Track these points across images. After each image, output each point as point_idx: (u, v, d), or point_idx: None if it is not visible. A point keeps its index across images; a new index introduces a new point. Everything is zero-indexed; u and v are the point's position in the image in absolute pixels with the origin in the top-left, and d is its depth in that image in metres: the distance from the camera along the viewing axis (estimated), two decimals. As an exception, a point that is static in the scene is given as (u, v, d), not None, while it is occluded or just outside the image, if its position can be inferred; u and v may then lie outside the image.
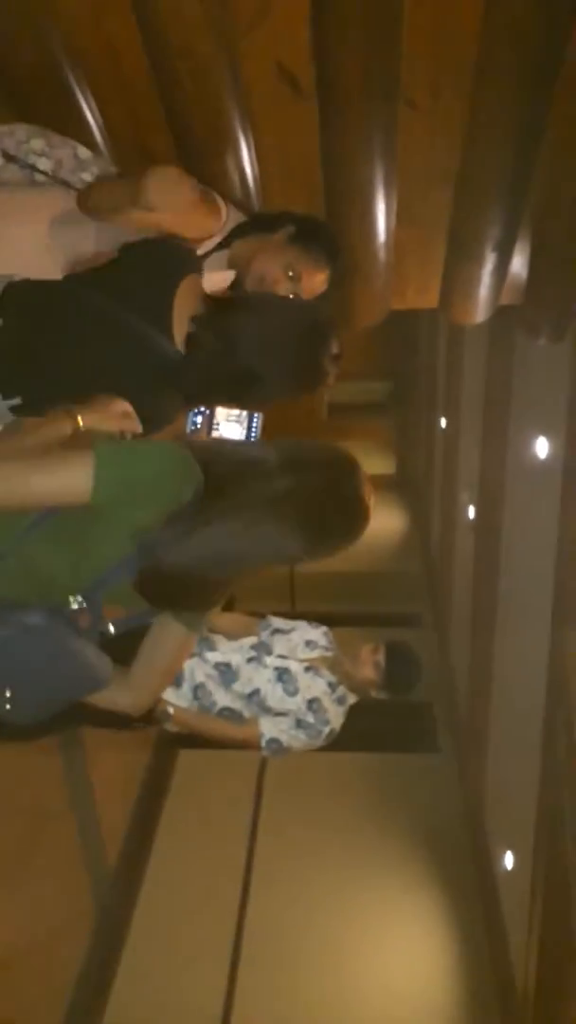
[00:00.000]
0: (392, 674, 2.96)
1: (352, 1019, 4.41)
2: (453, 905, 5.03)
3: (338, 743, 3.04)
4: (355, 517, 1.59)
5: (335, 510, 1.55)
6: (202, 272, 2.02)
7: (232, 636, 3.15)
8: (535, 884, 3.85)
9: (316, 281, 2.24)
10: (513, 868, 4.52)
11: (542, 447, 3.91)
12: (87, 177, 2.13)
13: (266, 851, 5.37)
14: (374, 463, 11.41)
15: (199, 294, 1.92)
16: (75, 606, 1.44)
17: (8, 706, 1.42)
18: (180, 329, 1.84)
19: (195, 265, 1.97)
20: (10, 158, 2.03)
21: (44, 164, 2.07)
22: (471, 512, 5.81)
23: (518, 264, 2.89)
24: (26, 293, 1.77)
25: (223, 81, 2.11)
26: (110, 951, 4.57)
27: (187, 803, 5.71)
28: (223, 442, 1.66)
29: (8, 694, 1.41)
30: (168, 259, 1.91)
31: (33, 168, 2.03)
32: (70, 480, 1.34)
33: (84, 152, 2.16)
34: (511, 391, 4.60)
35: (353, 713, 3.05)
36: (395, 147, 2.34)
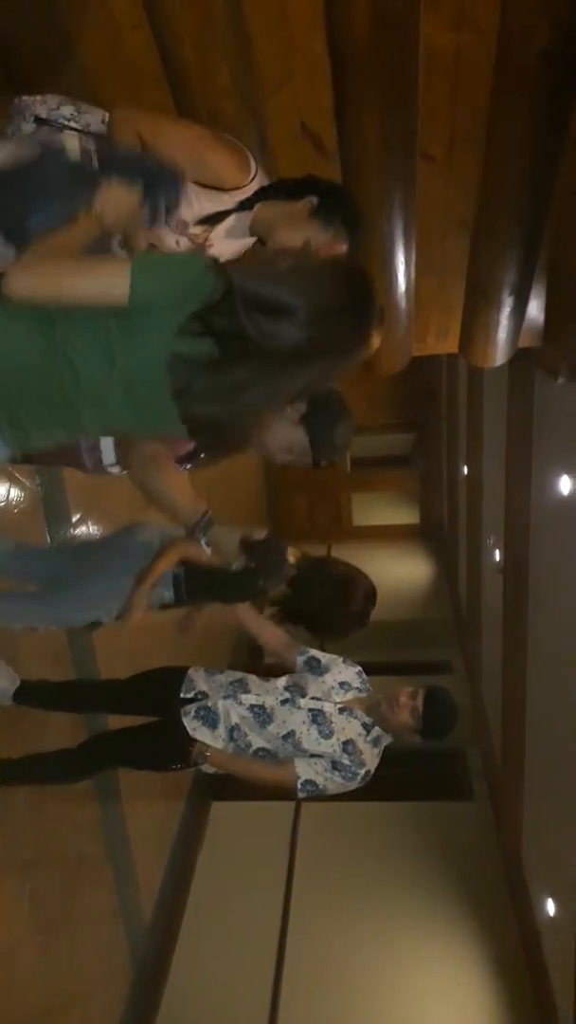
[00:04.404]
0: (429, 719, 2.93)
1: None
2: (494, 952, 4.93)
3: (372, 792, 3.01)
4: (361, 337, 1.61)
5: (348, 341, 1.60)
6: None
7: (270, 649, 3.18)
8: (579, 929, 3.79)
9: None
10: (555, 914, 4.44)
11: (566, 485, 3.95)
12: None
13: (302, 902, 5.31)
14: (399, 514, 11.47)
15: None
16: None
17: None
18: None
19: None
20: (42, 121, 2.08)
21: (73, 126, 2.08)
22: (497, 555, 5.84)
23: (535, 308, 2.98)
24: None
25: (251, 142, 2.23)
26: (148, 1001, 4.54)
27: (221, 854, 5.68)
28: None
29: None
30: None
31: (64, 126, 2.06)
32: (110, 280, 1.46)
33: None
34: (532, 431, 4.66)
35: (386, 762, 3.03)
36: (413, 199, 2.46)
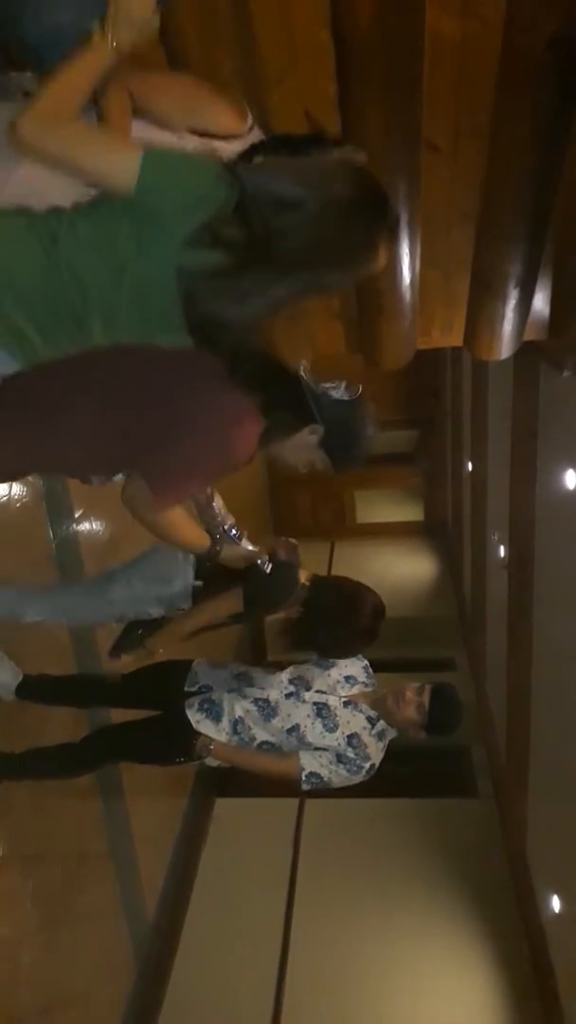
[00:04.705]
0: (435, 715, 2.92)
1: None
2: (499, 950, 4.91)
3: (376, 788, 3.01)
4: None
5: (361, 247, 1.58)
6: None
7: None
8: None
9: None
10: (561, 911, 4.43)
11: (572, 480, 3.93)
12: None
13: (306, 898, 5.29)
14: (403, 511, 11.45)
15: None
16: None
17: None
18: None
19: None
20: None
21: None
22: (502, 551, 5.82)
23: (540, 300, 2.96)
24: None
25: (254, 132, 2.22)
26: (151, 998, 4.53)
27: (225, 851, 5.66)
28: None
29: None
30: None
31: None
32: (120, 163, 1.40)
33: None
34: (537, 426, 4.64)
35: (391, 759, 3.02)
36: (418, 190, 2.44)
